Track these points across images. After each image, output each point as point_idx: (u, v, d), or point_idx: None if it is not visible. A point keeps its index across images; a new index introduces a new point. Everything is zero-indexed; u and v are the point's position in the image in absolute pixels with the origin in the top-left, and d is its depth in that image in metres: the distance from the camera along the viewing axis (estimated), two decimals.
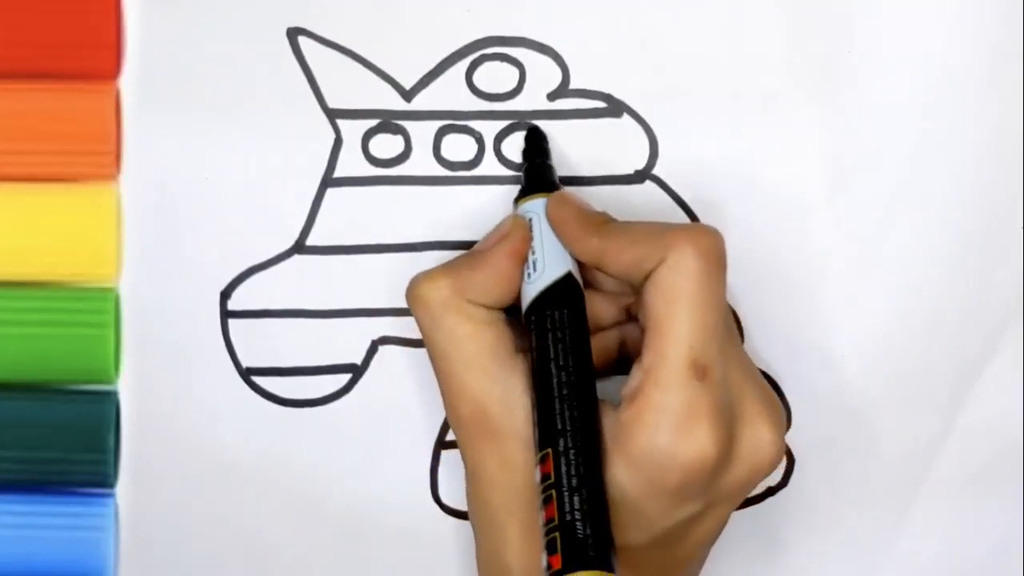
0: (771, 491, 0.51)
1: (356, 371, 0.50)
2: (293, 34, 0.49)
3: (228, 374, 0.50)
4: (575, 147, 0.49)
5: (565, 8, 0.49)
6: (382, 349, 0.50)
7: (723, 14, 0.49)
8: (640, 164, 0.50)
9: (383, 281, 0.50)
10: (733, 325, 0.46)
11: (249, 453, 0.50)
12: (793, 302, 0.50)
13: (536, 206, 0.47)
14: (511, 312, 0.46)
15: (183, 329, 0.50)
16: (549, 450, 0.43)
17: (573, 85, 0.49)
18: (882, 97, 0.49)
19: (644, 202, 0.50)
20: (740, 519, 0.51)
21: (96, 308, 0.49)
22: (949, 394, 0.51)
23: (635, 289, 0.45)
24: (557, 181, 0.48)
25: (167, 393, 0.50)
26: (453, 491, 0.51)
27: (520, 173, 0.49)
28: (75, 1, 0.48)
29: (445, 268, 0.46)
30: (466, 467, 0.46)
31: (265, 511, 0.51)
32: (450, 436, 0.50)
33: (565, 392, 0.44)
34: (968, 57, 0.49)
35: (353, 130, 0.50)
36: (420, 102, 0.49)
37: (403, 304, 0.49)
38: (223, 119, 0.49)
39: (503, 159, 0.50)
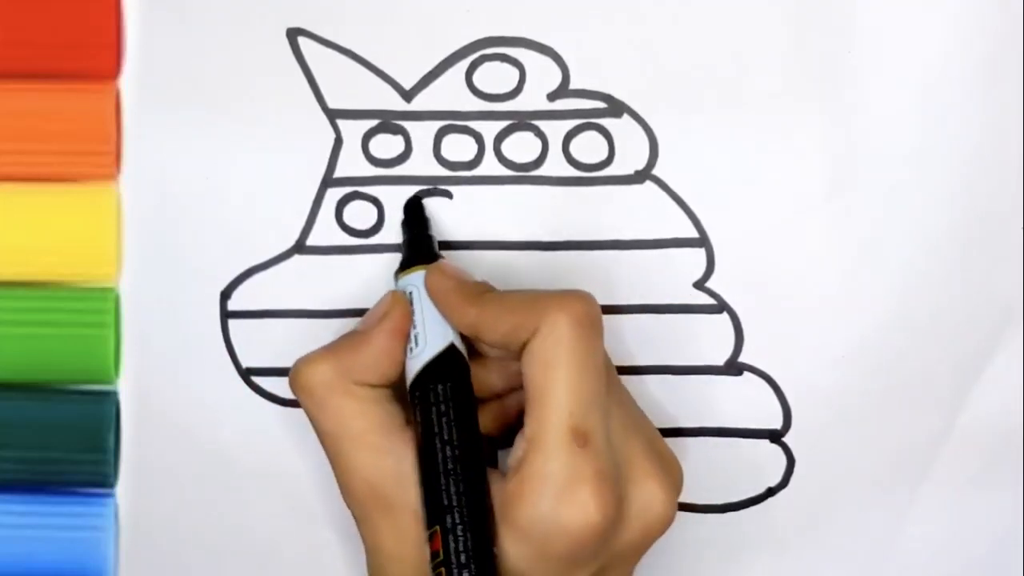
0: (771, 491, 0.51)
1: None
2: (293, 34, 0.49)
3: (228, 374, 0.50)
4: (575, 148, 0.50)
5: (565, 8, 0.49)
6: None
7: (723, 14, 0.49)
8: (640, 164, 0.50)
9: (383, 281, 0.50)
10: (617, 383, 0.46)
11: (249, 453, 0.50)
12: (793, 302, 0.50)
13: (416, 279, 0.47)
14: (399, 387, 0.46)
15: (183, 329, 0.50)
16: (437, 527, 0.43)
17: (573, 85, 0.49)
18: (882, 97, 0.49)
19: (644, 202, 0.50)
20: (740, 519, 0.51)
21: (96, 308, 0.50)
22: (949, 393, 0.51)
23: (515, 358, 0.45)
24: (437, 251, 0.48)
25: (167, 393, 0.50)
26: None
27: (521, 173, 0.49)
28: (75, 1, 0.48)
29: (326, 351, 0.46)
30: (364, 543, 0.46)
31: (265, 511, 0.51)
32: None
33: (450, 467, 0.44)
34: (968, 57, 0.49)
35: (353, 130, 0.50)
36: (420, 102, 0.49)
37: None
38: (223, 119, 0.49)
39: (503, 159, 0.50)
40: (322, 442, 0.46)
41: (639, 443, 0.45)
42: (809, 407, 0.50)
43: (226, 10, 0.49)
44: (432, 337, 0.46)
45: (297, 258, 0.50)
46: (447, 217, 0.50)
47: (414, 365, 0.46)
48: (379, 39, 0.49)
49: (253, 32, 0.49)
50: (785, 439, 0.51)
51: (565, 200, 0.50)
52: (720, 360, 0.50)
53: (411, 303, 0.46)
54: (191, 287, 0.50)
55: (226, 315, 0.50)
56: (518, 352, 0.44)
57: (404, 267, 0.48)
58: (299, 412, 0.50)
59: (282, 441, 0.50)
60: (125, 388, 0.50)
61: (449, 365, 0.45)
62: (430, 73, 0.49)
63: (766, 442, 0.51)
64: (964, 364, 0.50)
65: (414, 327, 0.46)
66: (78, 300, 0.50)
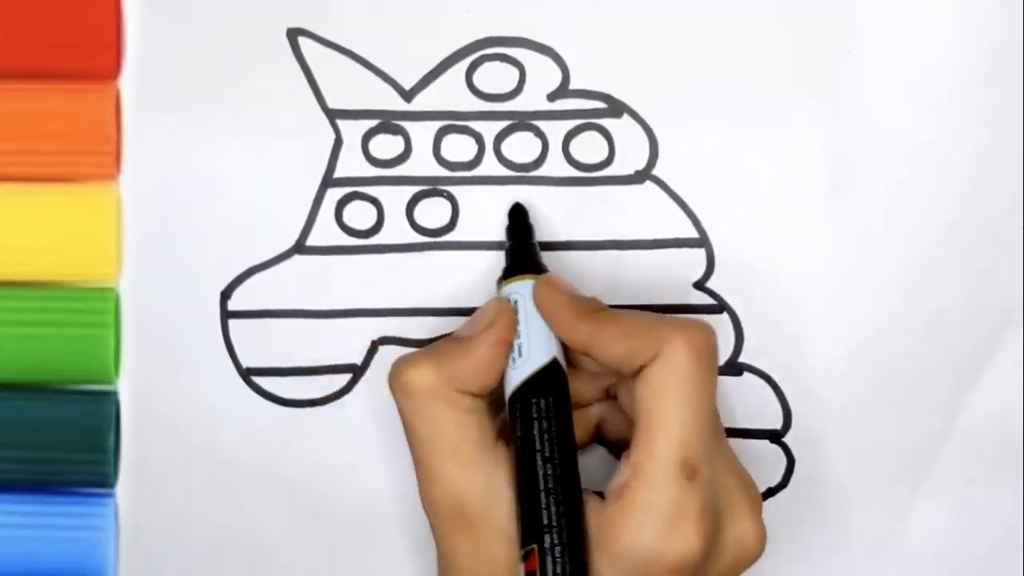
0: (771, 491, 0.51)
1: (356, 371, 0.50)
2: (293, 34, 0.49)
3: (228, 374, 0.50)
4: (575, 148, 0.50)
5: (565, 8, 0.49)
6: (382, 349, 0.50)
7: (723, 14, 0.49)
8: (640, 164, 0.50)
9: (383, 281, 0.50)
10: (719, 419, 0.46)
11: (249, 453, 0.50)
12: (793, 302, 0.50)
13: (522, 288, 0.46)
14: (494, 396, 0.46)
15: (183, 329, 0.50)
16: (535, 546, 0.42)
17: (573, 85, 0.49)
18: (882, 97, 0.49)
19: (644, 202, 0.50)
20: None
21: (96, 308, 0.50)
22: (949, 394, 0.51)
23: (622, 378, 0.45)
24: (542, 262, 0.48)
25: (167, 393, 0.50)
26: None
27: (526, 171, 0.49)
28: (75, 1, 0.48)
29: (430, 354, 0.45)
30: (439, 555, 0.45)
31: (265, 511, 0.51)
32: None
33: (551, 485, 0.43)
34: (968, 57, 0.49)
35: (353, 130, 0.50)
36: (420, 102, 0.49)
37: (403, 304, 0.49)
38: (223, 119, 0.49)
39: (503, 159, 0.50)
40: (411, 446, 0.45)
41: (736, 479, 0.45)
42: (809, 407, 0.50)
43: (226, 10, 0.49)
44: (536, 349, 0.45)
45: (297, 258, 0.50)
46: (447, 217, 0.50)
47: (516, 376, 0.45)
48: (379, 39, 0.49)
49: (253, 32, 0.49)
50: (785, 439, 0.51)
51: (565, 200, 0.50)
52: (720, 360, 0.50)
53: (515, 312, 0.46)
54: (191, 287, 0.50)
55: (226, 315, 0.50)
56: (631, 375, 0.44)
57: (508, 275, 0.47)
58: (299, 412, 0.50)
59: (282, 441, 0.50)
60: (125, 388, 0.50)
61: (551, 379, 0.45)
62: (430, 73, 0.49)
63: (766, 442, 0.51)
64: (964, 364, 0.50)
65: (517, 337, 0.45)
66: (78, 300, 0.50)
